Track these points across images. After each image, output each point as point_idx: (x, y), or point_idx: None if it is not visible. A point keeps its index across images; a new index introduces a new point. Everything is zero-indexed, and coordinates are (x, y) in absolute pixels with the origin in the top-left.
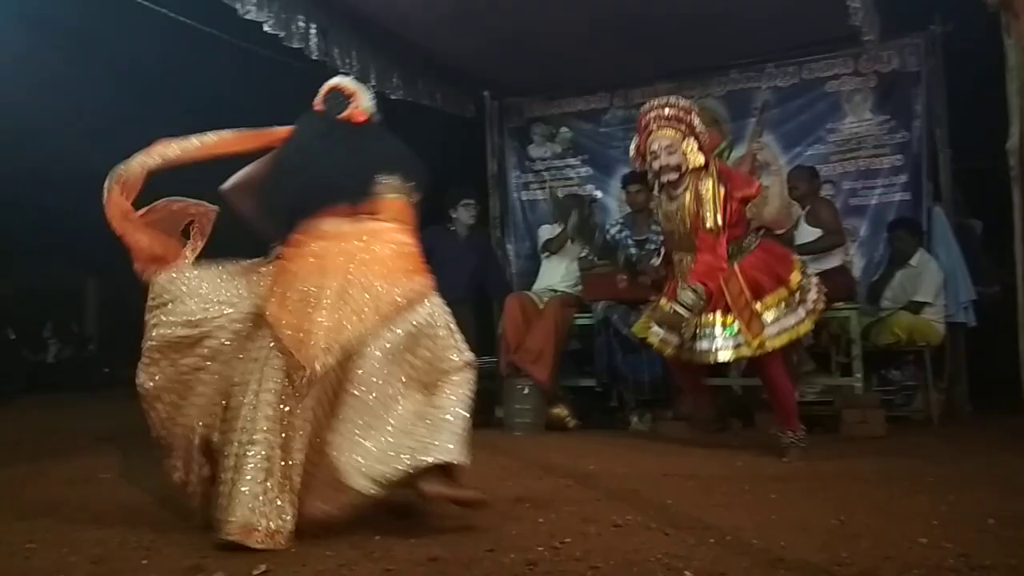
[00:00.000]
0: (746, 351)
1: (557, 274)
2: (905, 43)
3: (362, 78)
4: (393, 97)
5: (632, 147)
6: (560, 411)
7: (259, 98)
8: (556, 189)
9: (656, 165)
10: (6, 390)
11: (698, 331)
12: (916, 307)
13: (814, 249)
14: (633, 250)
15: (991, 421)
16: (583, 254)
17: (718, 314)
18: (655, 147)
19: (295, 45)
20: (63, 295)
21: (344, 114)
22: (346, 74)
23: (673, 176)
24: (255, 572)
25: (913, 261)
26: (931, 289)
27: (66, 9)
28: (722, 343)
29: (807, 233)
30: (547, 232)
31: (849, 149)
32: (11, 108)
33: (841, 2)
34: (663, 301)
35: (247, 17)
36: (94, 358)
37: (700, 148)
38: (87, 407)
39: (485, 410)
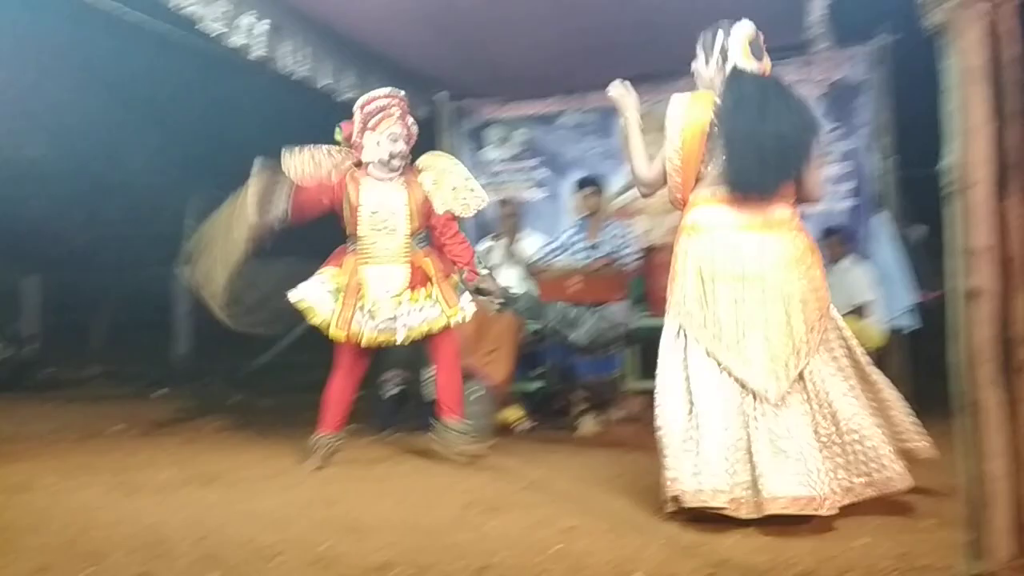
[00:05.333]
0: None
1: (512, 279)
2: (854, 53)
3: (313, 76)
4: (344, 98)
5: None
6: (511, 414)
7: (216, 98)
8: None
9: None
10: None
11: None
12: (863, 308)
13: None
14: (584, 254)
15: (933, 423)
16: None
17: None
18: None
19: (238, 42)
20: (2, 294)
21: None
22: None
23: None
24: None
25: (842, 265)
26: (864, 287)
27: (24, 12)
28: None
29: None
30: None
31: None
32: None
33: (798, 12)
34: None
35: (184, 12)
36: (37, 358)
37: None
38: (29, 409)
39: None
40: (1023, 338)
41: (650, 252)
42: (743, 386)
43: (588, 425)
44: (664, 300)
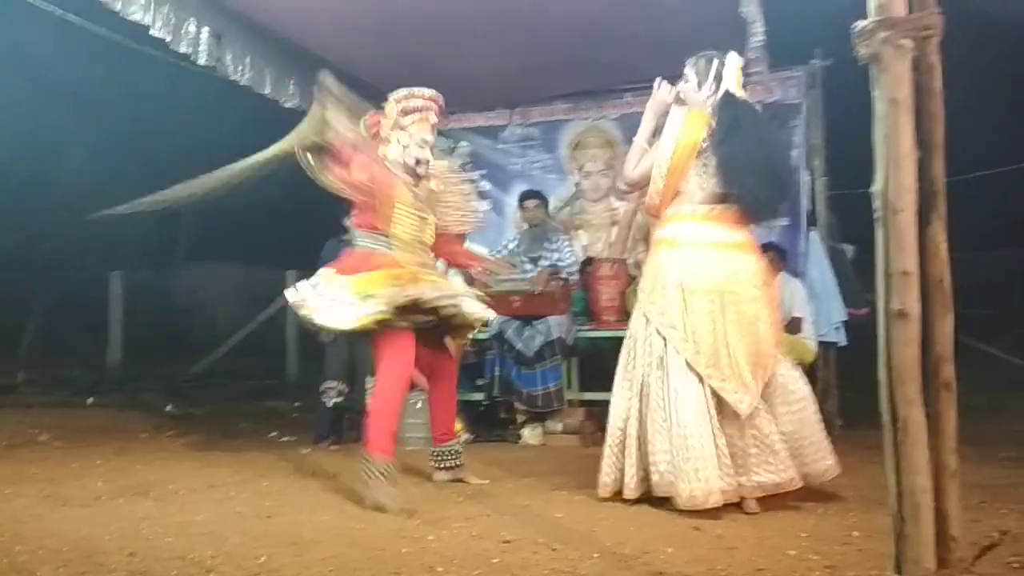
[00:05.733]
0: None
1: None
2: (787, 75)
3: (256, 85)
4: (288, 105)
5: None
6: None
7: (156, 100)
8: None
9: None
10: None
11: None
12: (795, 324)
13: None
14: (528, 266)
15: (859, 435)
16: None
17: None
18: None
19: (183, 50)
20: None
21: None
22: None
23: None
24: None
25: (776, 281)
26: (801, 304)
27: None
28: None
29: None
30: None
31: None
32: None
33: (738, 35)
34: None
35: (131, 19)
36: None
37: None
38: None
39: None
40: (946, 357)
41: (591, 265)
42: (719, 396)
43: (529, 436)
44: (605, 312)
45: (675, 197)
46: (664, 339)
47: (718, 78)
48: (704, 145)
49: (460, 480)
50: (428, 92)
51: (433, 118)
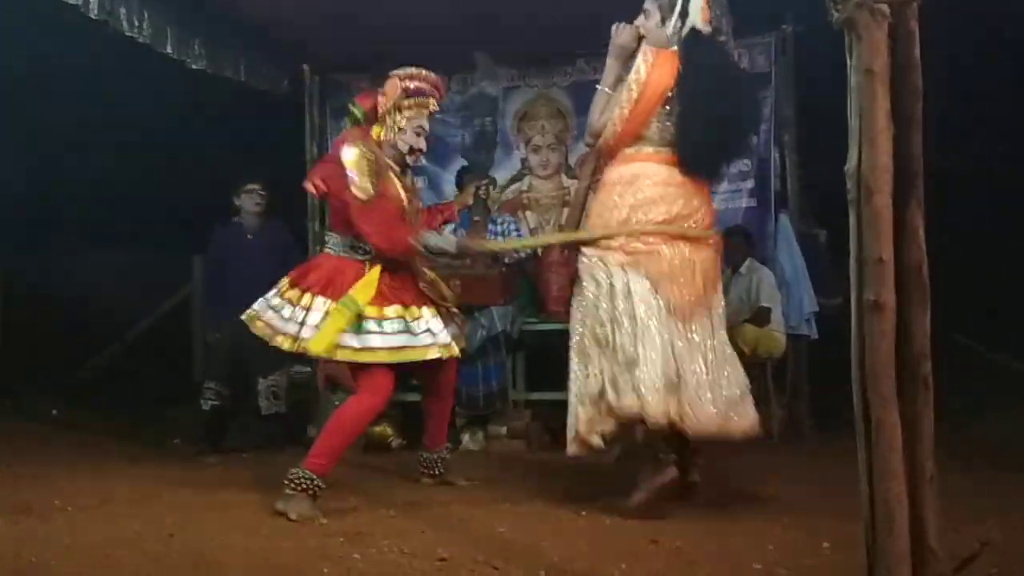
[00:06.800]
0: None
1: None
2: (756, 42)
3: (156, 45)
4: (195, 67)
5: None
6: (383, 429)
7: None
8: None
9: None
10: None
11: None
12: (763, 314)
13: None
14: None
15: (831, 437)
16: None
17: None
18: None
19: (71, 1)
20: None
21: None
22: None
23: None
24: None
25: (743, 269)
26: (769, 292)
27: None
28: None
29: None
30: None
31: None
32: None
33: None
34: None
35: None
36: None
37: None
38: None
39: (296, 428)
40: (924, 353)
41: (541, 250)
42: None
43: (469, 442)
44: (555, 303)
45: (635, 141)
46: (625, 271)
47: (683, 14)
48: (671, 92)
49: (448, 483)
50: (434, 77)
51: (433, 105)
